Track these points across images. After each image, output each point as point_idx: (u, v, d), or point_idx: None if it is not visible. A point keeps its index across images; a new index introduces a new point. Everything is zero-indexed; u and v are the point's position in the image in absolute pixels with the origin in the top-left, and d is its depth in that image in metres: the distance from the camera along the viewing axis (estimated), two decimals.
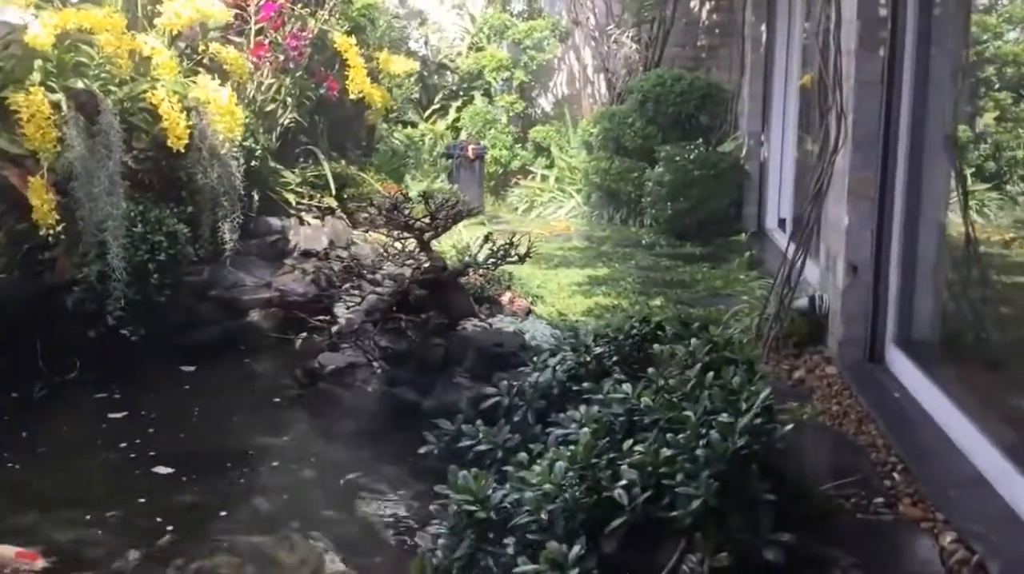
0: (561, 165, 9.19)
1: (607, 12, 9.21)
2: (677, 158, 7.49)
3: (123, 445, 3.91)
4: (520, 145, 9.43)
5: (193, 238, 4.95)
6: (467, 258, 4.54)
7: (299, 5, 5.75)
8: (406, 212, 4.12)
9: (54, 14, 4.39)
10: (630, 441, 2.61)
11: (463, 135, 9.26)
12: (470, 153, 8.37)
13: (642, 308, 5.39)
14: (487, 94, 9.54)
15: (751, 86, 7.61)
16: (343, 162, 6.46)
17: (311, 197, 5.98)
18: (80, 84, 4.50)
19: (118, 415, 4.25)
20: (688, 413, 2.56)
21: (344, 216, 6.14)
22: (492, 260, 4.23)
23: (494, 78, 9.42)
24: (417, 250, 4.44)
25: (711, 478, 2.31)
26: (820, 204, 4.40)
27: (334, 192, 6.03)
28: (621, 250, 7.30)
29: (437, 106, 9.57)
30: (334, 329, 4.72)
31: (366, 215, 4.26)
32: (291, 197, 5.81)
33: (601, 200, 8.56)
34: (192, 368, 4.92)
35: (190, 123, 4.61)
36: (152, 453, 3.82)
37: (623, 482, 2.40)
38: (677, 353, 3.10)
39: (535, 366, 3.65)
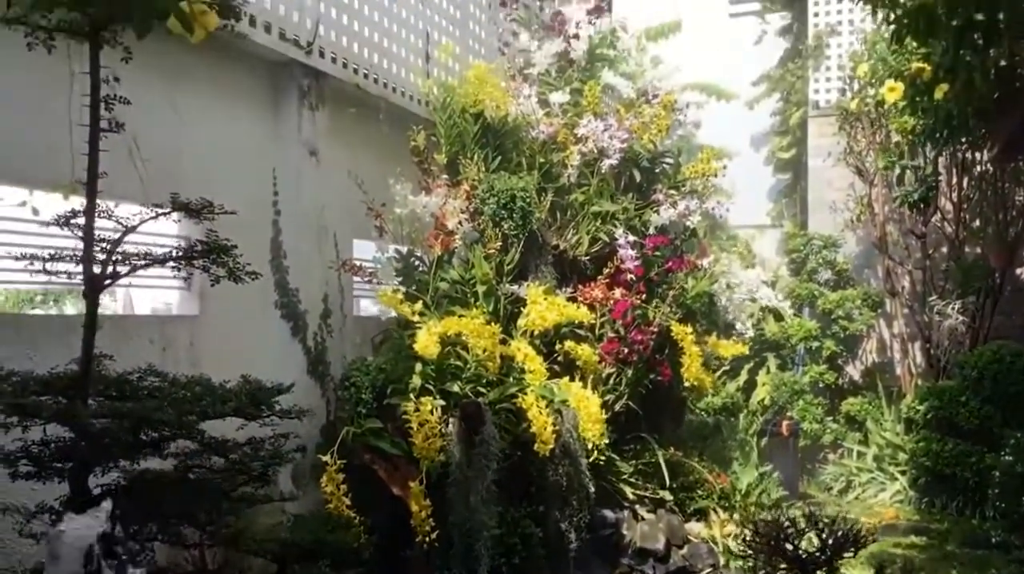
0: (879, 441, 8.50)
1: (925, 280, 8.76)
2: None
3: None
4: (831, 417, 8.89)
5: (541, 537, 4.87)
6: None
7: (652, 304, 5.86)
8: (795, 542, 3.80)
9: (437, 323, 4.67)
10: None
11: (755, 399, 8.92)
12: (784, 430, 7.97)
13: None
14: (780, 357, 9.23)
15: None
16: (671, 449, 6.28)
17: (644, 488, 5.80)
18: (455, 387, 4.69)
19: None
20: None
21: (676, 508, 5.89)
22: None
23: (797, 347, 9.13)
24: None
25: None
26: None
27: (667, 483, 5.83)
28: (971, 551, 6.44)
29: (727, 367, 9.34)
30: None
31: (748, 541, 3.97)
32: (627, 489, 5.67)
33: (931, 485, 7.74)
34: None
35: (555, 426, 4.64)
36: None
37: None
38: None
39: None
